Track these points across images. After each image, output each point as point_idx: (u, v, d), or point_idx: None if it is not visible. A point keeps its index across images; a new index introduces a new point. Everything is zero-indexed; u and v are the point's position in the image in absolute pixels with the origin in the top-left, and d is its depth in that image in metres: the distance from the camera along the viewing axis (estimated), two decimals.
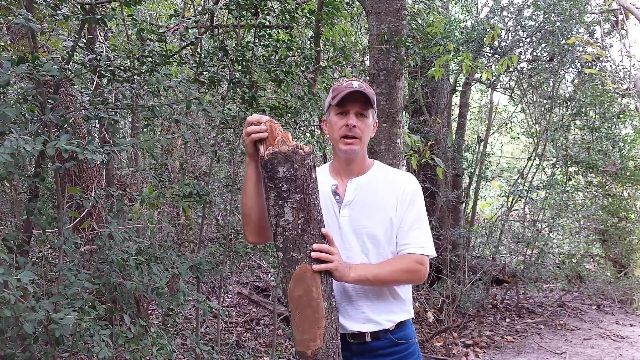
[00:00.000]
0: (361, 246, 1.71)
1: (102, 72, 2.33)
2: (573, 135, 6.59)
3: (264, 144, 1.55)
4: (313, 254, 1.53)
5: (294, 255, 1.53)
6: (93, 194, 3.09)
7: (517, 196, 6.14)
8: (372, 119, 1.77)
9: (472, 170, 6.60)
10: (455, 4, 7.49)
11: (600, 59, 5.80)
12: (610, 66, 5.95)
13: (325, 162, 4.70)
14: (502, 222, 6.31)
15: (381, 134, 3.55)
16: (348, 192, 1.75)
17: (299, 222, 1.51)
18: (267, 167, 1.52)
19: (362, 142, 1.73)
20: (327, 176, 1.81)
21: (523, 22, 5.78)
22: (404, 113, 6.13)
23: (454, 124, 7.17)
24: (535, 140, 6.37)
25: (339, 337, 1.61)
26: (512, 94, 6.82)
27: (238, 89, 3.20)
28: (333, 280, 1.62)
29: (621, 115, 6.22)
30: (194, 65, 3.17)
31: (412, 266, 1.69)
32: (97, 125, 3.83)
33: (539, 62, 5.95)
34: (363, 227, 1.71)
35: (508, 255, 6.52)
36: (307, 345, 1.54)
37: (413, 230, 1.72)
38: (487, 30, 5.22)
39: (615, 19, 6.24)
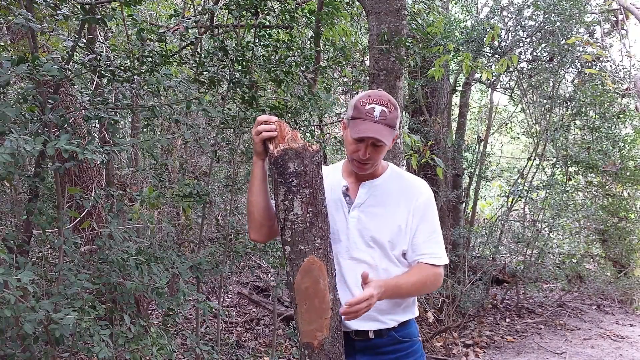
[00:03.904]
0: (367, 247, 1.73)
1: (102, 72, 2.33)
2: (573, 135, 6.58)
3: (273, 143, 1.62)
4: (344, 312, 1.57)
5: (302, 247, 1.58)
6: (93, 194, 3.09)
7: (517, 196, 6.14)
8: (391, 141, 1.70)
9: (472, 170, 6.59)
10: (455, 4, 7.49)
11: (600, 59, 5.79)
12: (610, 66, 5.94)
13: (325, 163, 4.70)
14: (502, 222, 6.31)
15: None
16: (359, 194, 1.77)
17: (308, 215, 1.57)
18: (277, 163, 1.57)
19: (375, 163, 1.72)
20: (339, 176, 1.82)
21: (523, 22, 5.78)
22: (404, 113, 6.14)
23: (454, 124, 7.16)
24: (535, 140, 6.37)
25: (342, 329, 1.67)
26: (512, 94, 6.81)
27: (238, 89, 3.20)
28: (337, 279, 1.68)
29: (621, 115, 6.22)
30: (194, 65, 3.17)
31: (431, 278, 1.74)
32: (97, 125, 3.83)
33: (539, 62, 5.95)
34: (369, 231, 1.72)
35: (508, 255, 6.52)
36: (314, 336, 1.59)
37: (430, 241, 1.74)
38: (487, 30, 5.22)
39: (615, 19, 6.23)
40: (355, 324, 1.72)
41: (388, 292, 1.64)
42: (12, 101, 2.16)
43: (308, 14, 3.85)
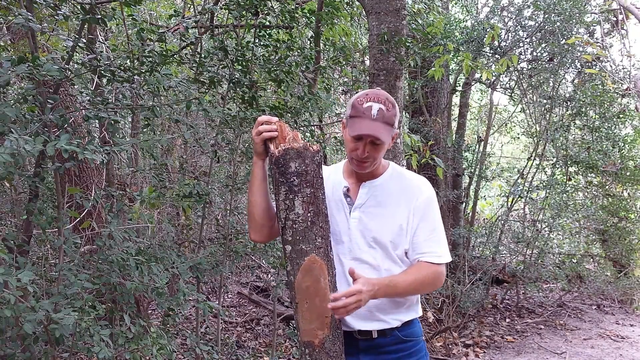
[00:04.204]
0: (369, 248, 1.73)
1: (102, 72, 2.33)
2: (573, 135, 6.58)
3: (273, 143, 1.63)
4: (332, 306, 1.53)
5: (303, 247, 1.59)
6: (93, 194, 3.09)
7: (517, 196, 6.14)
8: (389, 139, 1.69)
9: (472, 170, 6.59)
10: (455, 4, 7.49)
11: (600, 59, 5.79)
12: (610, 66, 5.94)
13: (325, 163, 4.71)
14: (502, 222, 6.31)
15: None
16: (360, 195, 1.76)
17: (309, 214, 1.58)
18: (278, 162, 1.59)
19: (374, 161, 1.71)
20: (340, 176, 1.81)
21: (523, 22, 5.78)
22: (404, 113, 6.14)
23: (454, 124, 7.16)
24: (535, 140, 6.37)
25: (342, 327, 1.69)
26: (512, 94, 6.81)
27: (238, 89, 3.20)
28: (340, 279, 1.69)
29: (621, 115, 6.22)
30: (194, 65, 3.17)
31: (430, 277, 1.72)
32: (97, 125, 3.83)
33: (539, 62, 5.95)
34: (371, 231, 1.72)
35: (508, 255, 6.52)
36: (315, 334, 1.60)
37: (430, 240, 1.73)
38: (487, 30, 5.22)
39: (615, 19, 6.24)
40: (358, 324, 1.72)
41: (382, 291, 1.62)
42: (12, 101, 2.16)
43: (308, 14, 3.85)
